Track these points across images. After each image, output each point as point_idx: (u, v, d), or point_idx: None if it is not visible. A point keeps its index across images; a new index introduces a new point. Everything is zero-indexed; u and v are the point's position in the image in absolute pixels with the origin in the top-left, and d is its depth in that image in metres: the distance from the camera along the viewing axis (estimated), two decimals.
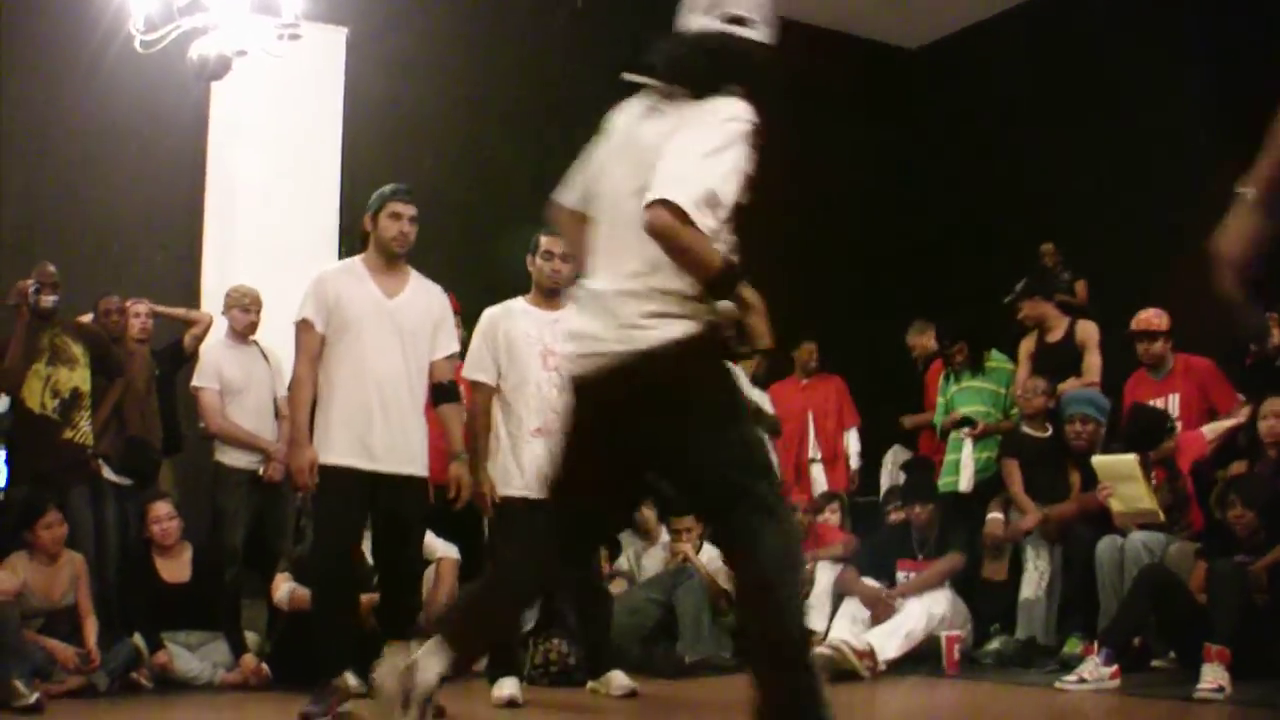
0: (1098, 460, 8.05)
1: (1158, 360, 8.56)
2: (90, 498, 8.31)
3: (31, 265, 8.21)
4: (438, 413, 6.74)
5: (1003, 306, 9.67)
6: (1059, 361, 9.20)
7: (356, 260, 6.67)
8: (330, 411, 6.42)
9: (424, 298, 6.67)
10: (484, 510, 7.15)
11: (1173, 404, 8.46)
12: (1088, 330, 9.19)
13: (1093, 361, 9.08)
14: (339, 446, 6.36)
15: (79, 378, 8.26)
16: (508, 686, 6.92)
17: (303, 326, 6.51)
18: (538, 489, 6.81)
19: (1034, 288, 9.50)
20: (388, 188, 6.65)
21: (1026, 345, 9.54)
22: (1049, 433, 8.91)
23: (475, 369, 7.17)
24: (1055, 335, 9.32)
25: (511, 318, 7.17)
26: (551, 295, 7.17)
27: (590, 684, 7.34)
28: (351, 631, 6.72)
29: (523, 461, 6.98)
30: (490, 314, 7.26)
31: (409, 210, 6.53)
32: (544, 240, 7.11)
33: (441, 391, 6.72)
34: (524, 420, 7.03)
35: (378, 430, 6.36)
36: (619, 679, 7.14)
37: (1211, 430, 8.13)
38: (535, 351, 7.06)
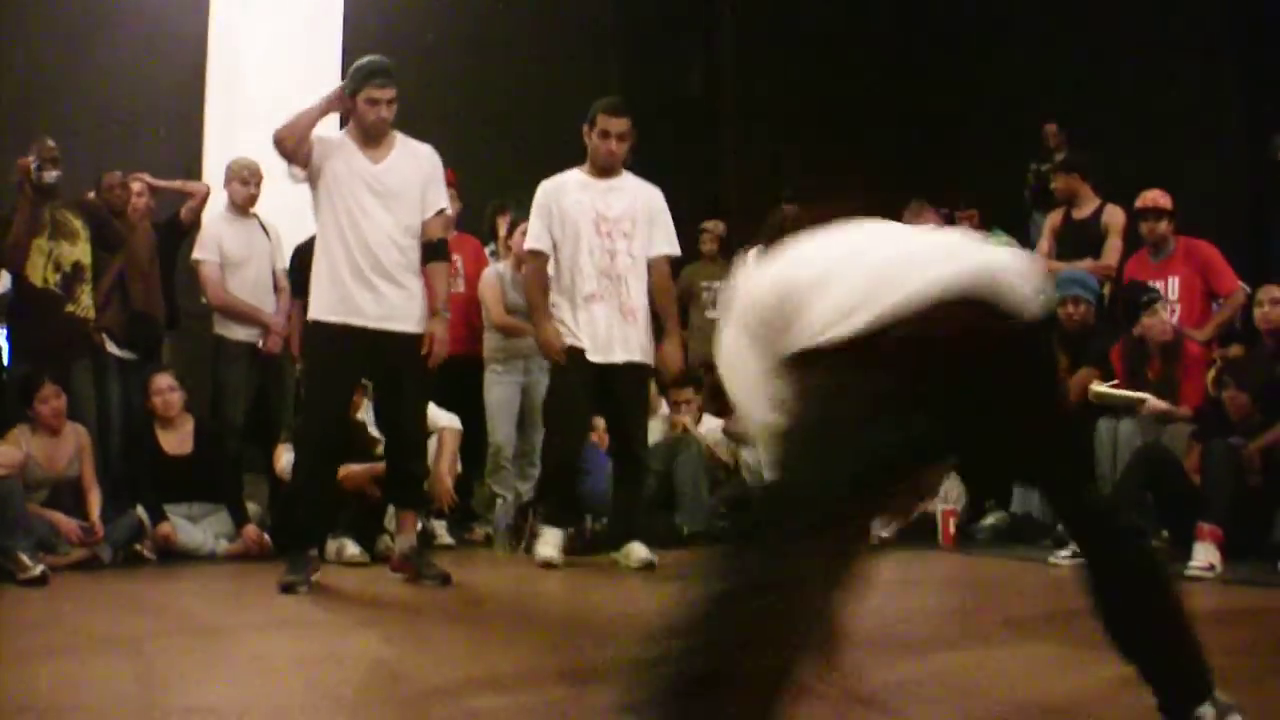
0: (1098, 390, 8.01)
1: (1160, 240, 8.53)
2: (93, 372, 8.33)
3: (33, 142, 8.15)
4: (425, 270, 6.72)
5: (1011, 184, 9.64)
6: (1082, 238, 9.16)
7: (344, 134, 6.73)
8: (320, 270, 6.54)
9: (410, 160, 6.69)
10: (554, 356, 7.27)
11: (1171, 286, 8.42)
12: (1115, 214, 9.10)
13: (1114, 244, 9.02)
14: (329, 303, 6.47)
15: (80, 252, 8.23)
16: (549, 548, 7.21)
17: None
18: (590, 348, 7.10)
19: (1072, 163, 9.43)
20: (365, 65, 6.60)
21: (1053, 219, 9.53)
22: None
23: (531, 238, 7.34)
24: (1083, 212, 9.25)
25: (564, 190, 7.29)
26: (606, 170, 7.28)
27: (612, 554, 7.44)
28: (332, 500, 6.85)
29: (579, 325, 7.16)
30: (546, 185, 7.38)
31: (386, 94, 6.54)
32: (602, 119, 7.21)
33: (429, 249, 6.72)
34: (579, 287, 7.16)
35: (368, 290, 6.44)
36: (638, 551, 7.23)
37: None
38: (588, 219, 7.18)
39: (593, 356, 7.14)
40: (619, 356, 7.18)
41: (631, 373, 7.27)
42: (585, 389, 7.31)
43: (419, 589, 6.53)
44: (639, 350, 7.30)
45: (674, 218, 7.41)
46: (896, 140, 13.10)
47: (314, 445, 6.62)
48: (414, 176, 6.66)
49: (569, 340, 7.16)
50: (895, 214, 10.50)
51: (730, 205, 12.40)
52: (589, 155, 7.31)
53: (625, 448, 7.41)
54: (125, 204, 8.85)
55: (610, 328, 7.16)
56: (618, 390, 7.28)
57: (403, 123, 6.67)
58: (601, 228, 7.18)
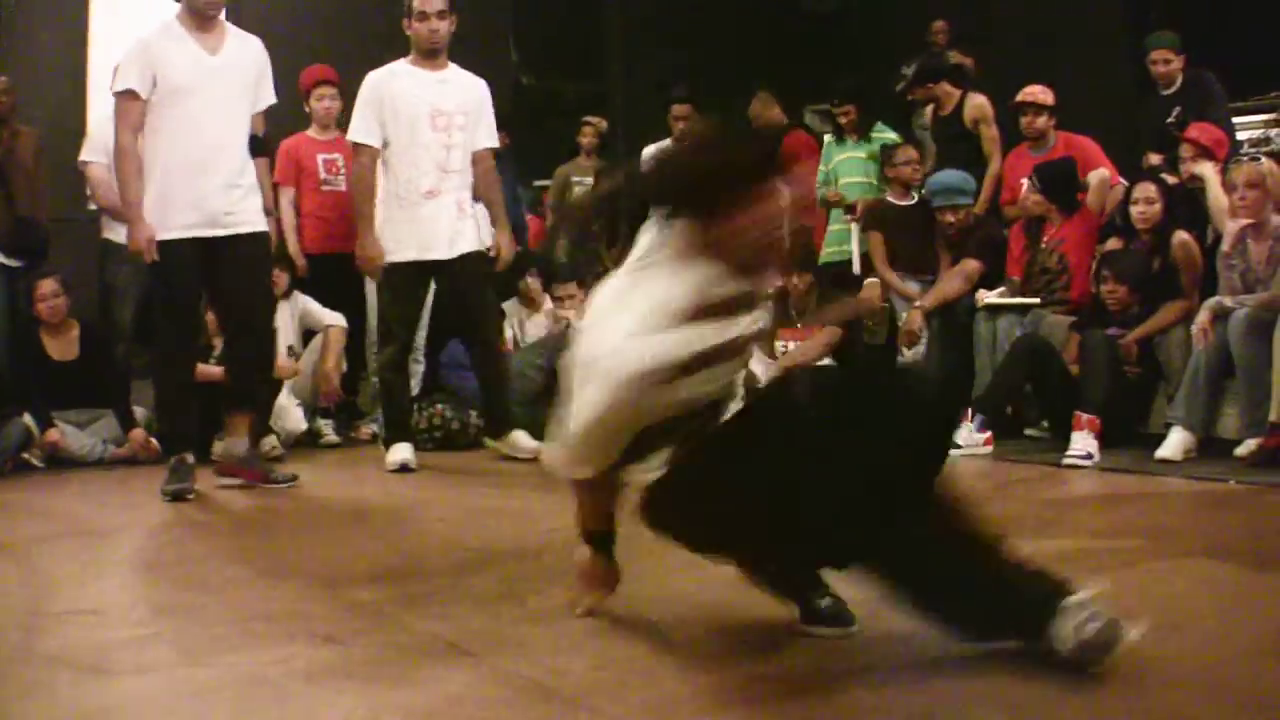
0: (989, 301, 8.07)
1: (1040, 135, 8.61)
2: None
3: None
4: (254, 164, 6.55)
5: (892, 82, 9.68)
6: (951, 133, 9.24)
7: (173, 20, 6.35)
8: (165, 182, 6.24)
9: (246, 53, 6.45)
10: (371, 275, 7.30)
11: None
12: (976, 103, 9.15)
13: (990, 134, 9.09)
14: (179, 218, 6.21)
15: None
16: (401, 451, 7.03)
17: (125, 96, 6.32)
18: (426, 252, 6.93)
19: (924, 75, 9.44)
20: None
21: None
22: (914, 200, 8.98)
23: (359, 132, 7.08)
24: (946, 110, 9.32)
25: (395, 80, 7.06)
26: (432, 55, 7.08)
27: (491, 443, 7.43)
28: (194, 404, 6.65)
29: (418, 223, 6.99)
30: (373, 77, 7.13)
31: None
32: (417, 1, 7.03)
33: (254, 144, 6.51)
34: (415, 183, 6.99)
35: (215, 194, 6.23)
36: (523, 439, 7.18)
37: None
38: (423, 113, 7.00)
39: (431, 255, 7.01)
40: (459, 249, 7.07)
41: (471, 262, 7.16)
42: (417, 298, 7.32)
43: (301, 491, 6.54)
44: (475, 241, 7.22)
45: (559, 112, 7.33)
46: (783, 35, 13.01)
47: (171, 354, 6.49)
48: (252, 69, 6.44)
49: (395, 256, 7.03)
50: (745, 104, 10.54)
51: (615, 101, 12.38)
52: (412, 44, 7.10)
53: (476, 334, 7.37)
54: (10, 110, 8.75)
55: (449, 223, 7.05)
56: (461, 282, 7.19)
57: (283, 22, 6.56)
58: (438, 122, 7.04)
